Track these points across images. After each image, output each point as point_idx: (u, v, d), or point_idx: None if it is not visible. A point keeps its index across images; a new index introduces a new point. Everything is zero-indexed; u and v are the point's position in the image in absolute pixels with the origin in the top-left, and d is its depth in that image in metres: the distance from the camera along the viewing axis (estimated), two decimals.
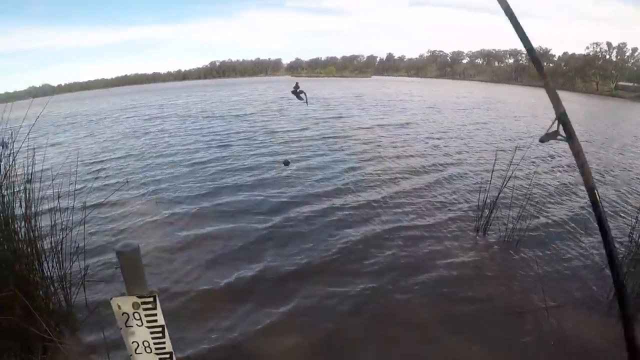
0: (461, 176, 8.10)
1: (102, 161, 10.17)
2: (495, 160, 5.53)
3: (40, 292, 3.03)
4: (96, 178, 7.73)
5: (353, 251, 4.82)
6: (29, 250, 3.03)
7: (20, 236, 3.01)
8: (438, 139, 12.55)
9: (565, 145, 1.36)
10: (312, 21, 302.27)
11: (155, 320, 1.63)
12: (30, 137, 3.37)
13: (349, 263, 4.55)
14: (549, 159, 9.96)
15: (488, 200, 5.33)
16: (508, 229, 5.12)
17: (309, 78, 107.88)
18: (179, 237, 5.24)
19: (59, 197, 3.59)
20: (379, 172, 8.25)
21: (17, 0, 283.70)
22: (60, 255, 3.41)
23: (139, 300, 1.58)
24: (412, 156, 9.81)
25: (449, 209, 6.29)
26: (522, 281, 4.25)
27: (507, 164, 5.34)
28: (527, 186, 5.91)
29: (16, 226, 3.01)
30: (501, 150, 7.26)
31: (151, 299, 1.59)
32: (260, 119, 17.59)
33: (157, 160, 10.10)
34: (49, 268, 3.30)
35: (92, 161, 10.17)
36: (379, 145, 11.16)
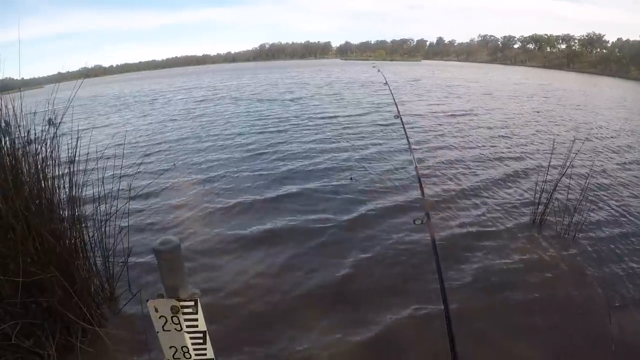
0: (519, 167, 7.57)
1: (153, 144, 10.17)
2: (552, 151, 5.38)
3: (82, 275, 3.03)
4: (145, 162, 7.72)
5: (413, 254, 4.39)
6: (71, 232, 3.02)
7: (63, 217, 3.00)
8: (499, 128, 11.70)
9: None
10: (362, 4, 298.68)
11: (196, 326, 1.53)
12: (80, 117, 3.37)
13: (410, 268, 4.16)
14: (610, 151, 9.19)
15: (545, 192, 5.05)
16: (565, 222, 4.82)
17: (358, 61, 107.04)
18: (229, 233, 4.92)
19: (103, 179, 3.58)
20: (442, 163, 7.75)
21: None
22: (103, 238, 3.42)
23: (179, 304, 1.47)
24: (472, 147, 9.17)
25: (506, 200, 5.97)
26: (581, 279, 3.96)
27: (565, 155, 5.09)
28: (587, 178, 5.54)
29: (60, 207, 3.00)
30: (561, 142, 6.74)
31: (192, 303, 1.48)
32: (314, 103, 17.20)
33: (210, 145, 9.77)
34: (91, 250, 3.31)
35: (141, 143, 10.22)
36: (441, 135, 10.48)
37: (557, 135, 9.94)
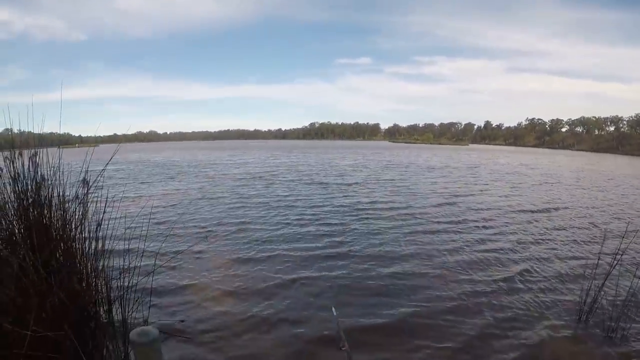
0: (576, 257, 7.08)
1: (191, 217, 9.91)
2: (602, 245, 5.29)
3: (97, 337, 2.99)
4: (178, 232, 7.72)
5: None
6: (90, 294, 3.03)
7: (83, 278, 3.03)
8: (581, 220, 10.40)
9: None
10: (410, 87, 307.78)
11: None
12: (124, 181, 3.47)
13: None
14: None
15: (594, 285, 4.65)
16: (613, 318, 4.37)
17: (406, 144, 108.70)
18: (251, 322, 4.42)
19: (129, 248, 3.60)
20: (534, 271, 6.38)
21: (131, 52, 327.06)
22: (122, 303, 3.39)
23: None
24: (559, 256, 7.34)
25: (553, 290, 5.60)
26: None
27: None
28: None
29: (82, 268, 3.04)
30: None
31: None
32: (378, 190, 15.69)
33: (257, 229, 8.66)
34: (108, 314, 3.28)
35: (173, 218, 9.72)
36: (519, 235, 8.78)
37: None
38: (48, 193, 2.95)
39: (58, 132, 3.57)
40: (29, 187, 2.88)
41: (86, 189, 3.15)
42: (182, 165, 28.18)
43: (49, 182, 2.99)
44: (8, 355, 2.39)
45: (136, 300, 3.54)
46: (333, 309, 2.72)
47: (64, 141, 3.84)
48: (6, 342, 2.42)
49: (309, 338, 4.12)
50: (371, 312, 4.70)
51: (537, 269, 6.49)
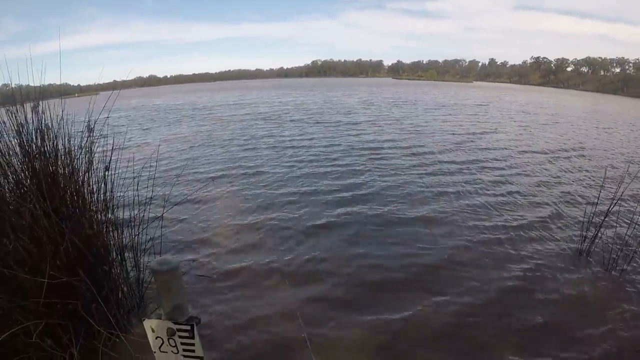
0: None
1: (194, 163, 9.86)
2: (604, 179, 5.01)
3: (112, 279, 3.10)
4: (185, 174, 7.81)
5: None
6: (102, 238, 3.09)
7: (94, 223, 3.08)
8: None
9: None
10: (413, 23, 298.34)
11: (193, 350, 1.48)
12: (127, 127, 3.45)
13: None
14: None
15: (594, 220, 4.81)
16: (614, 254, 4.51)
17: (410, 81, 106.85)
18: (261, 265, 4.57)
19: (138, 189, 3.64)
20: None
21: None
22: (134, 245, 3.48)
23: (175, 327, 1.43)
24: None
25: (553, 227, 5.78)
26: (631, 315, 3.67)
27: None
28: None
29: (92, 212, 3.09)
30: None
31: (188, 328, 1.44)
32: (389, 130, 15.09)
33: (267, 173, 8.56)
34: (121, 257, 3.37)
35: (178, 161, 10.03)
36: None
37: None
38: (53, 142, 2.95)
39: (57, 83, 3.53)
40: (33, 137, 2.88)
41: (91, 137, 3.16)
42: (185, 109, 27.55)
43: (53, 132, 2.99)
44: (26, 305, 2.48)
45: (148, 241, 3.65)
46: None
47: (63, 92, 3.80)
48: (24, 291, 2.50)
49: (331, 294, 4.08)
50: (394, 265, 4.68)
51: (548, 210, 6.61)
